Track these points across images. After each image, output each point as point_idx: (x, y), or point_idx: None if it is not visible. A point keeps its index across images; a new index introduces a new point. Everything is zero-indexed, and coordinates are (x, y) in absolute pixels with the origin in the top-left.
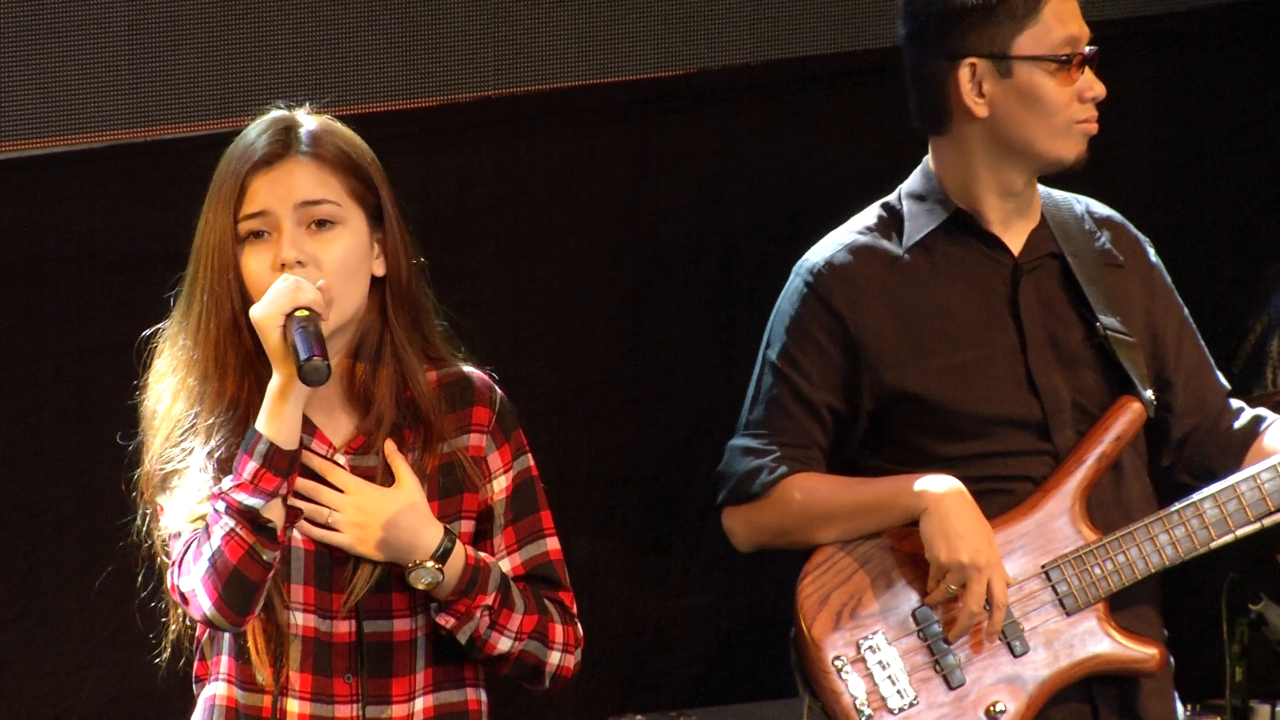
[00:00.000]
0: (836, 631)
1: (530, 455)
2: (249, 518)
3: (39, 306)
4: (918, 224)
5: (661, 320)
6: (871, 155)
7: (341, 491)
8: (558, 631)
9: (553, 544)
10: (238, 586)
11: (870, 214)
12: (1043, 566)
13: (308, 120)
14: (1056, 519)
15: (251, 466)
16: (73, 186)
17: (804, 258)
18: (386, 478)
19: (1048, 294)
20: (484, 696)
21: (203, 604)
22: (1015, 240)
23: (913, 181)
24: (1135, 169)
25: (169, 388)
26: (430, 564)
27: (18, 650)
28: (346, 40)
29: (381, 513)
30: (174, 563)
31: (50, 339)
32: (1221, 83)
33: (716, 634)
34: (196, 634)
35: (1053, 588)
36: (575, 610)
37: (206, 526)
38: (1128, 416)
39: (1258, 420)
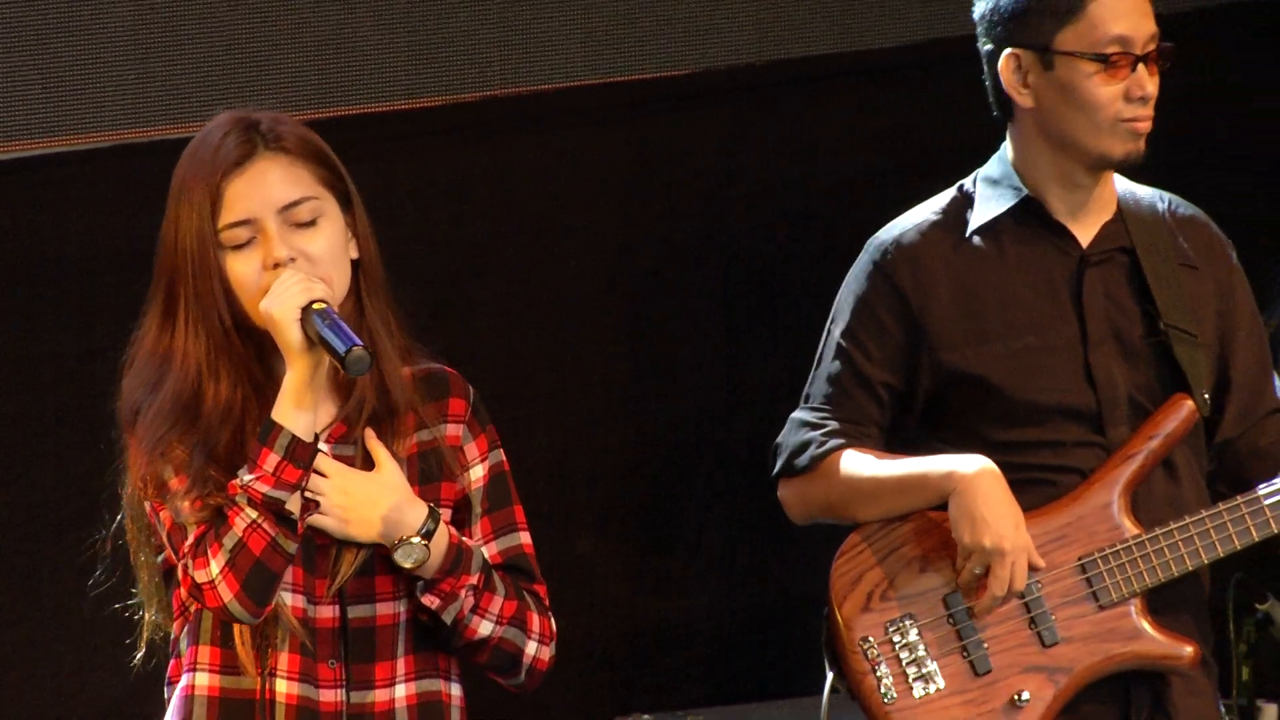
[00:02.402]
0: (866, 613)
1: (501, 449)
2: (272, 509)
3: (39, 307)
4: (987, 208)
5: (662, 320)
6: (875, 155)
7: (324, 476)
8: (535, 621)
9: (525, 538)
10: (259, 578)
11: (945, 195)
12: (1079, 558)
13: (264, 117)
14: (1099, 512)
15: (273, 459)
16: (75, 187)
17: (876, 234)
18: (365, 465)
19: (1114, 288)
20: (458, 690)
21: (223, 594)
22: (1085, 232)
23: (990, 165)
24: (1143, 166)
25: (153, 394)
26: (416, 539)
27: (20, 651)
28: (351, 40)
29: (365, 495)
30: (183, 555)
31: (51, 340)
32: (1228, 80)
33: (717, 634)
34: (173, 635)
35: (1087, 580)
36: (548, 603)
37: (220, 517)
38: (1180, 415)
39: None
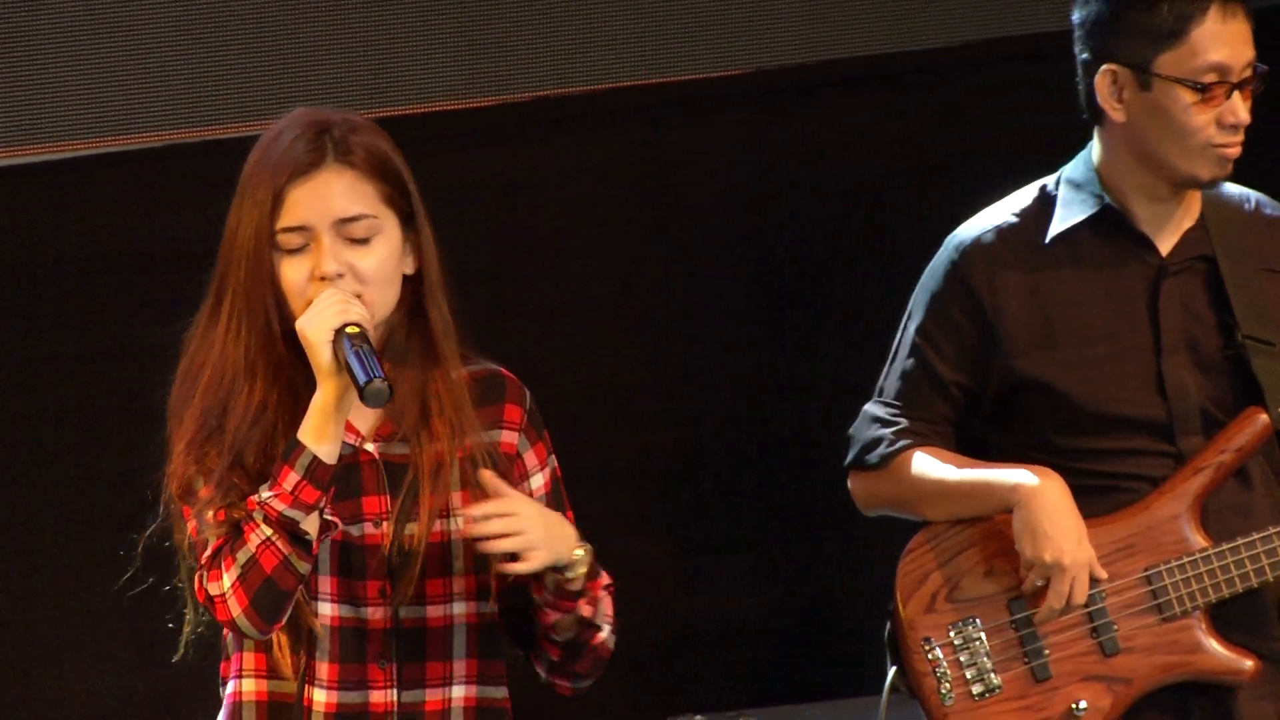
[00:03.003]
0: (930, 613)
1: (554, 454)
2: (287, 529)
3: (39, 308)
4: (1067, 213)
5: (708, 321)
6: (918, 155)
7: (516, 515)
8: (612, 620)
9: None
10: (269, 595)
11: (1027, 194)
12: (1145, 569)
13: (338, 122)
14: (1167, 523)
15: (293, 478)
16: (83, 190)
17: (956, 232)
18: (417, 467)
19: (1191, 298)
20: (504, 693)
21: (232, 609)
22: (1166, 240)
23: (1074, 167)
24: None
25: (195, 390)
26: (581, 551)
27: (17, 651)
28: (401, 40)
29: (544, 519)
30: (201, 566)
31: (51, 341)
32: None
33: (765, 634)
34: (224, 633)
35: (1152, 592)
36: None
37: (237, 531)
38: (1253, 429)
39: None
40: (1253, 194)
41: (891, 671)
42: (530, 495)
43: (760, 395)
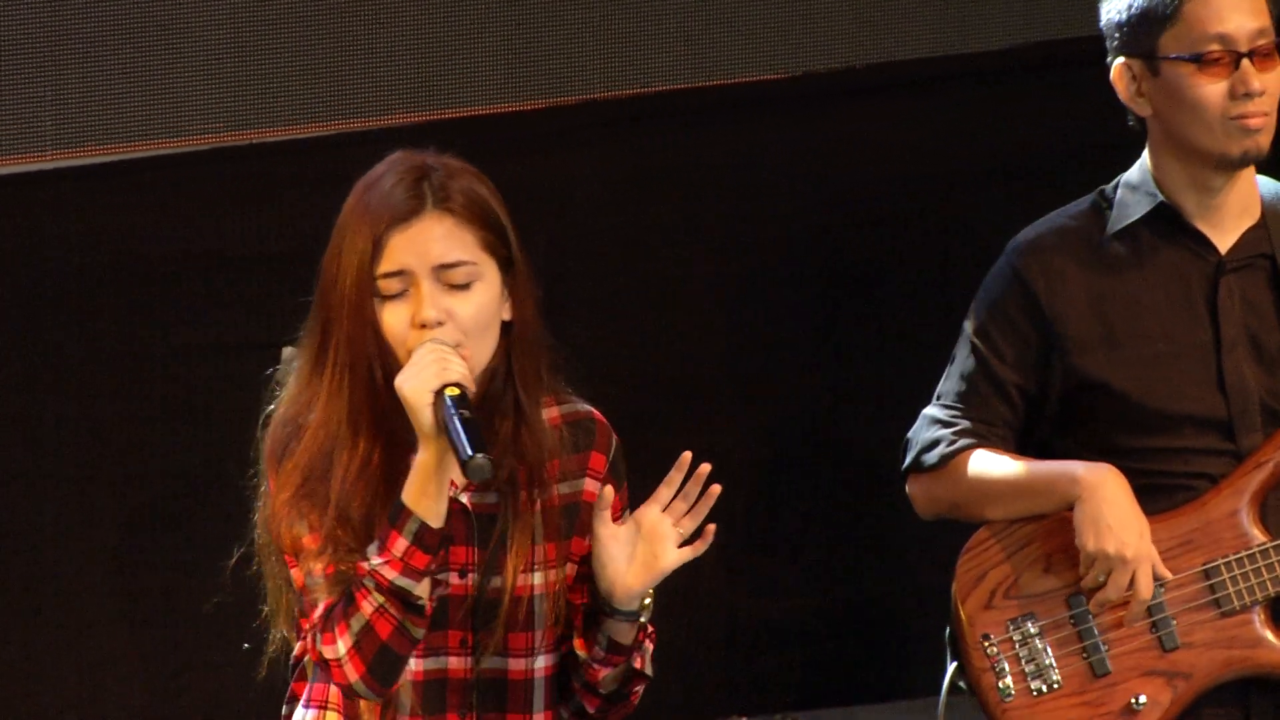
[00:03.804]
0: (989, 610)
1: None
2: (400, 597)
3: (40, 309)
4: (1124, 213)
5: (765, 322)
6: (978, 158)
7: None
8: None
9: None
10: (385, 661)
11: (1086, 199)
12: (1204, 564)
13: (437, 167)
14: (1226, 519)
15: (401, 544)
16: (105, 196)
17: (1015, 237)
18: (506, 514)
19: (1253, 294)
20: None
21: (348, 675)
22: (1225, 238)
23: (1132, 170)
24: None
25: (297, 440)
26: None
27: (115, 653)
28: (449, 44)
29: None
30: (313, 627)
31: (52, 342)
32: None
33: (817, 636)
34: (294, 653)
35: (1210, 587)
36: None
37: (350, 596)
38: None
39: None
40: None
41: (951, 668)
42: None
43: (814, 397)
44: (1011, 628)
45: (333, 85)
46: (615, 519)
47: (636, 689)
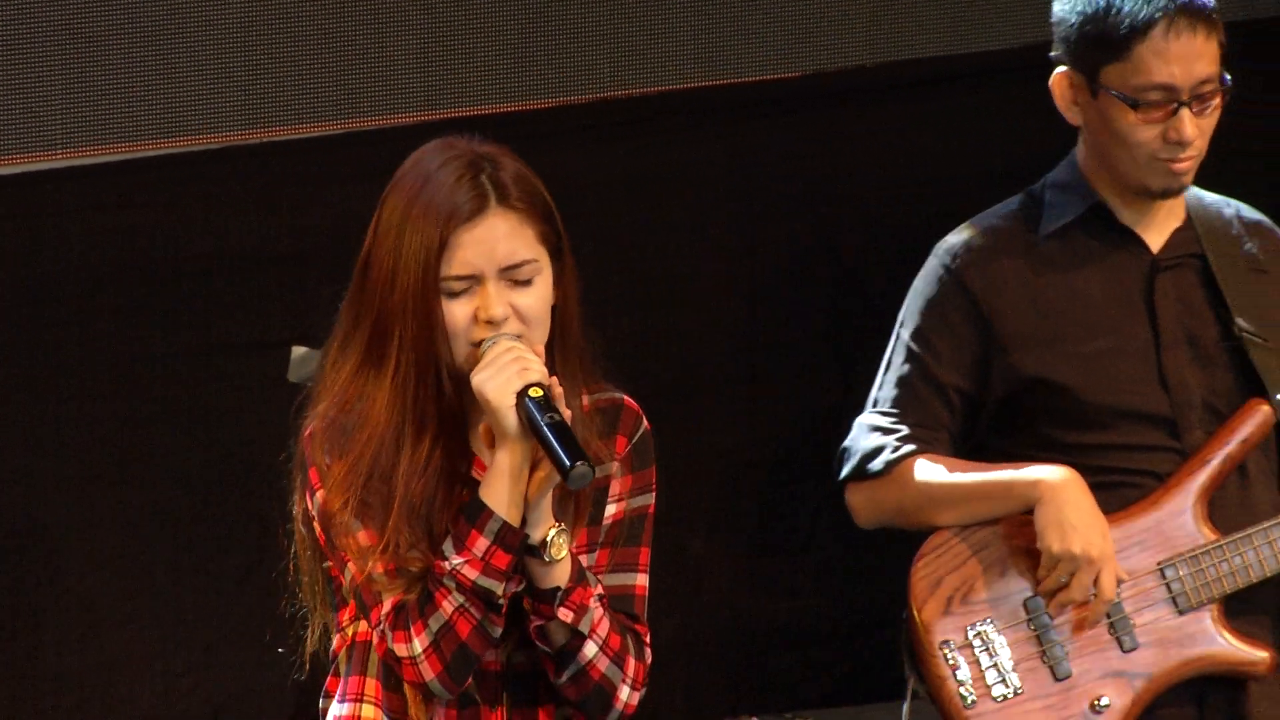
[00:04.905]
0: (946, 616)
1: (654, 494)
2: (482, 597)
3: (41, 310)
4: (1056, 212)
5: (774, 322)
6: (987, 158)
7: None
8: (631, 665)
9: (641, 580)
10: (463, 660)
11: (1013, 200)
12: (1158, 564)
13: (489, 157)
14: (1177, 517)
15: (482, 544)
16: (109, 196)
17: (943, 239)
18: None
19: (1186, 293)
20: None
21: (424, 674)
22: (1156, 238)
23: (1059, 170)
24: (1253, 167)
25: (351, 434)
26: (555, 531)
27: (120, 654)
28: (460, 42)
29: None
30: (380, 623)
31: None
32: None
33: (826, 636)
34: (333, 648)
35: (1166, 585)
36: (649, 644)
37: (427, 595)
38: (1256, 419)
39: None
40: (1231, 200)
41: (911, 681)
42: (604, 521)
43: (820, 397)
44: (971, 633)
45: (339, 85)
46: (622, 497)
47: (580, 653)
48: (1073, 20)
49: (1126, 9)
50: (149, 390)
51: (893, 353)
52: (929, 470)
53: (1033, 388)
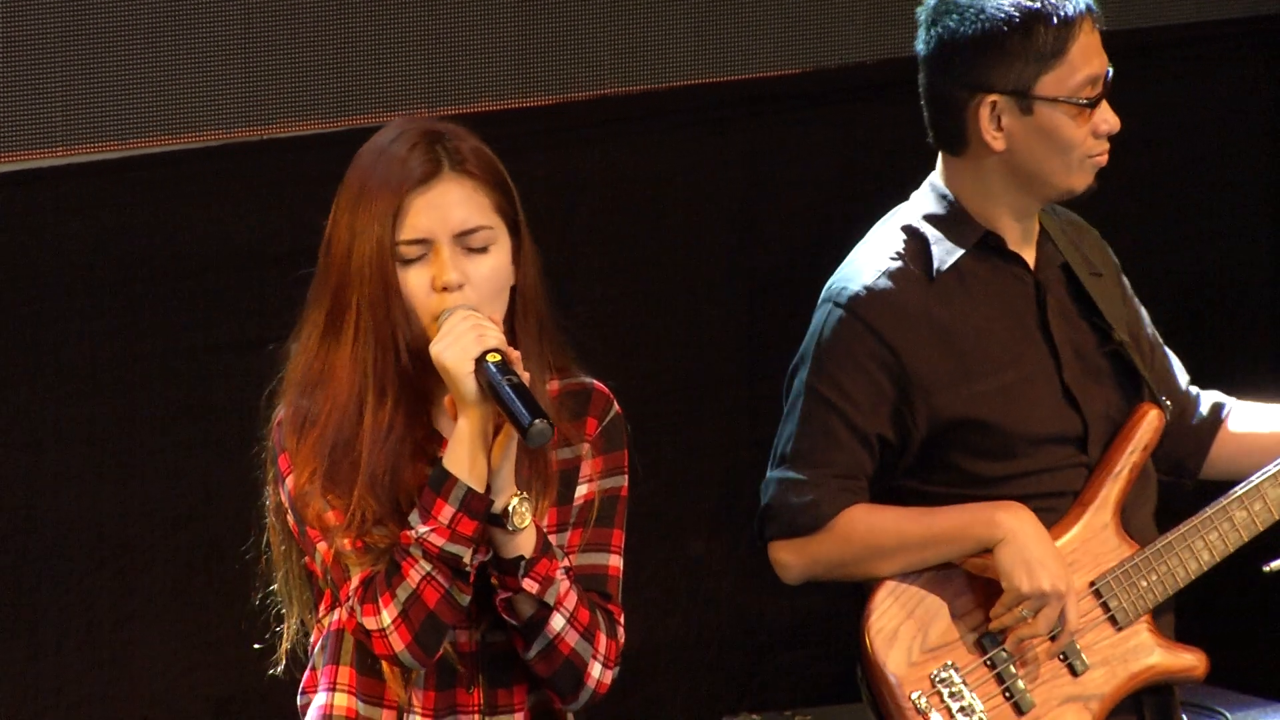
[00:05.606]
0: (910, 668)
1: (626, 477)
2: (449, 564)
3: (42, 310)
4: (946, 247)
5: (777, 322)
6: None
7: None
8: (602, 641)
9: (614, 561)
10: (432, 630)
11: (895, 238)
12: (1091, 583)
13: (447, 131)
14: (1099, 533)
15: (448, 511)
16: (112, 193)
17: (836, 286)
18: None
19: (1065, 306)
20: None
21: (394, 645)
22: (1031, 255)
23: (926, 202)
24: (1253, 167)
25: (316, 410)
26: (517, 500)
27: (121, 653)
28: (460, 39)
29: None
30: (349, 599)
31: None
32: None
33: (828, 635)
34: (311, 642)
35: (1104, 604)
36: (622, 624)
37: (394, 566)
38: (1150, 424)
39: (1218, 408)
40: (1049, 205)
41: None
42: (573, 503)
43: None
44: (936, 680)
45: (343, 81)
46: (593, 478)
47: (548, 627)
48: (982, 47)
49: (1056, 13)
50: (149, 390)
51: (802, 404)
52: (870, 521)
53: (954, 427)
